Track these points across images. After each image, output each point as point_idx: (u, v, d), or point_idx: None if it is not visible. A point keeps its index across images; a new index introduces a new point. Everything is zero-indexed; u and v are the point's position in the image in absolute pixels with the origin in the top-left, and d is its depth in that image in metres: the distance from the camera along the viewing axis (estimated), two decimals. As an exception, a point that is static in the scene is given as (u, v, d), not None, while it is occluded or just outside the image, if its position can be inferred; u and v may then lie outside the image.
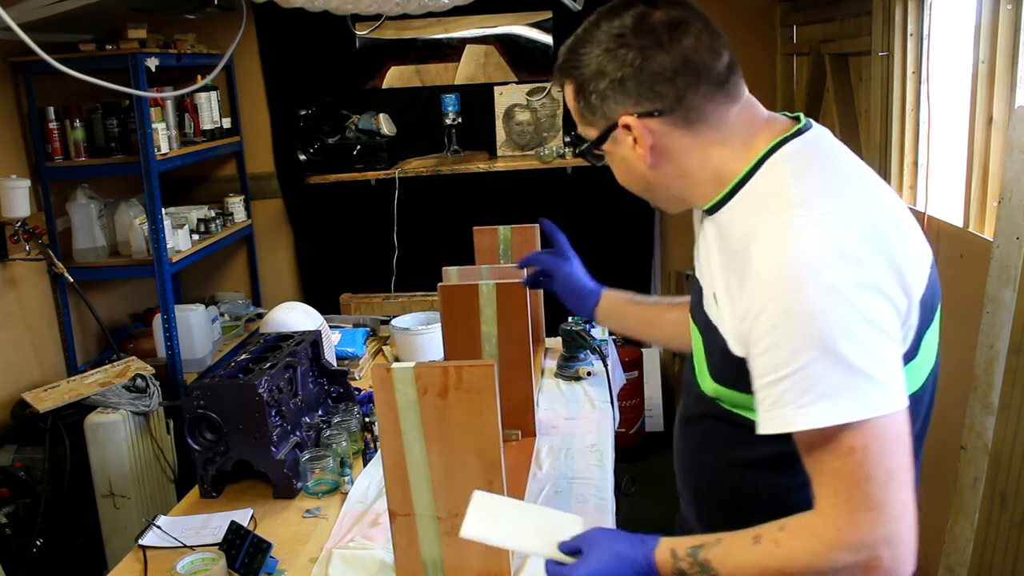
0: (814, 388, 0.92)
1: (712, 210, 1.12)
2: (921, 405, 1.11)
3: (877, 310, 0.94)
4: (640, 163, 1.11)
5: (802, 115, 1.13)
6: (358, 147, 3.85)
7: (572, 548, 1.14)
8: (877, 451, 0.92)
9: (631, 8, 1.08)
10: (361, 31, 3.63)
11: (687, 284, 3.84)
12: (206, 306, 3.53)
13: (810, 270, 0.93)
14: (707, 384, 1.15)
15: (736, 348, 1.05)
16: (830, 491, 0.95)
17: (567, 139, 3.92)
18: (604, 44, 1.08)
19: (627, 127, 1.09)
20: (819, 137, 1.10)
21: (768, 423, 0.97)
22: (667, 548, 1.06)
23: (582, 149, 1.18)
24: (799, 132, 1.08)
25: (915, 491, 1.02)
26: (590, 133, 1.14)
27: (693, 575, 1.03)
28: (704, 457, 1.21)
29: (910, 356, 1.03)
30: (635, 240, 4.09)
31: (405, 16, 2.71)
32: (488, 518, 1.21)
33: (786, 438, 0.98)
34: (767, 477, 1.12)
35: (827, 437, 0.93)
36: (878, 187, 1.06)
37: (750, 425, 1.04)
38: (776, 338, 0.94)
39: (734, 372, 1.06)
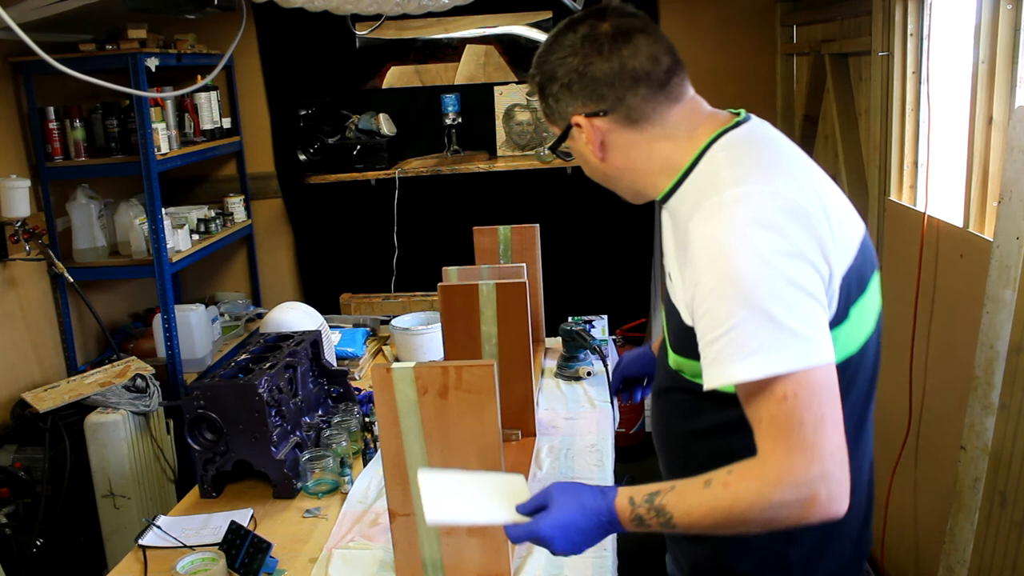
0: (746, 345, 1.03)
1: (664, 199, 1.24)
2: (863, 368, 1.21)
3: (799, 273, 1.05)
4: (593, 157, 1.25)
5: (743, 110, 1.25)
6: (358, 147, 3.85)
7: (533, 506, 1.20)
8: (807, 398, 1.02)
9: (586, 20, 1.22)
10: (361, 31, 3.63)
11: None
12: (206, 306, 3.53)
13: (737, 240, 1.05)
14: (672, 358, 1.27)
15: (687, 318, 1.16)
16: (768, 437, 1.04)
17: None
18: (559, 52, 1.22)
19: (578, 125, 1.23)
20: (755, 128, 1.22)
21: (710, 379, 1.07)
22: (625, 496, 1.15)
23: (551, 145, 1.31)
24: (737, 124, 1.21)
25: (870, 447, 1.25)
26: (554, 131, 1.28)
27: (650, 519, 1.12)
28: (671, 426, 1.33)
29: (838, 321, 1.13)
30: (635, 239, 4.09)
31: (405, 16, 2.71)
32: (444, 498, 1.23)
33: (739, 403, 1.09)
34: (728, 441, 1.20)
35: (762, 388, 1.03)
36: (805, 169, 1.18)
37: (710, 394, 1.13)
38: (712, 302, 1.06)
39: (689, 341, 1.16)
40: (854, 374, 1.19)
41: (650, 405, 1.44)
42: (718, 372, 1.05)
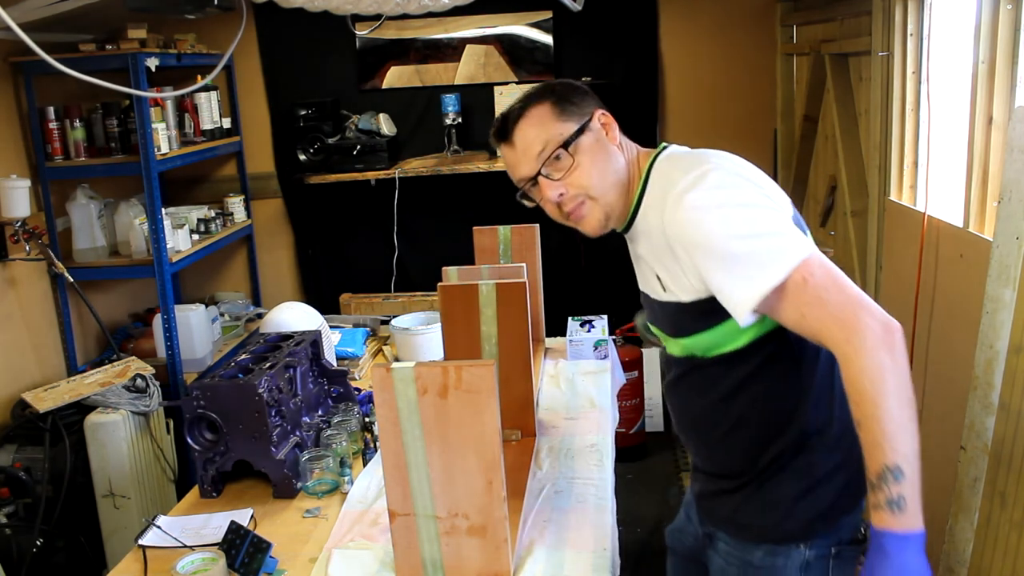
0: (758, 263, 1.24)
1: (628, 226, 1.47)
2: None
3: (761, 200, 1.30)
4: (611, 145, 1.45)
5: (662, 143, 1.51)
6: (358, 147, 3.85)
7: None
8: (821, 275, 1.23)
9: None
10: (361, 31, 3.63)
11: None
12: (206, 306, 3.53)
13: (705, 206, 1.29)
14: (678, 344, 1.47)
15: (690, 295, 1.36)
16: (821, 323, 1.22)
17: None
18: (551, 86, 1.50)
19: (600, 116, 1.46)
20: (676, 147, 1.48)
21: (740, 306, 1.26)
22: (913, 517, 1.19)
23: (567, 140, 1.43)
24: (664, 148, 1.47)
25: None
26: (567, 127, 1.44)
27: (901, 490, 1.16)
28: (692, 405, 1.51)
29: None
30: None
31: (405, 16, 2.71)
32: None
33: (742, 361, 1.37)
34: (738, 401, 1.42)
35: (785, 289, 1.23)
36: (739, 159, 1.40)
37: (721, 360, 1.40)
38: (715, 257, 1.27)
39: (689, 317, 1.39)
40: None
41: (668, 403, 1.60)
42: (746, 296, 1.24)
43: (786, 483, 1.42)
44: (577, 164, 1.43)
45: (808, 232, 1.39)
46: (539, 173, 1.44)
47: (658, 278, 1.43)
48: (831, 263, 1.26)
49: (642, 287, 1.55)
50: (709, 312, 1.35)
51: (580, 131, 1.43)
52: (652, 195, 1.40)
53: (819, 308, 1.22)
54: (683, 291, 1.37)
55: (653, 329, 1.57)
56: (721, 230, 1.26)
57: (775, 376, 1.39)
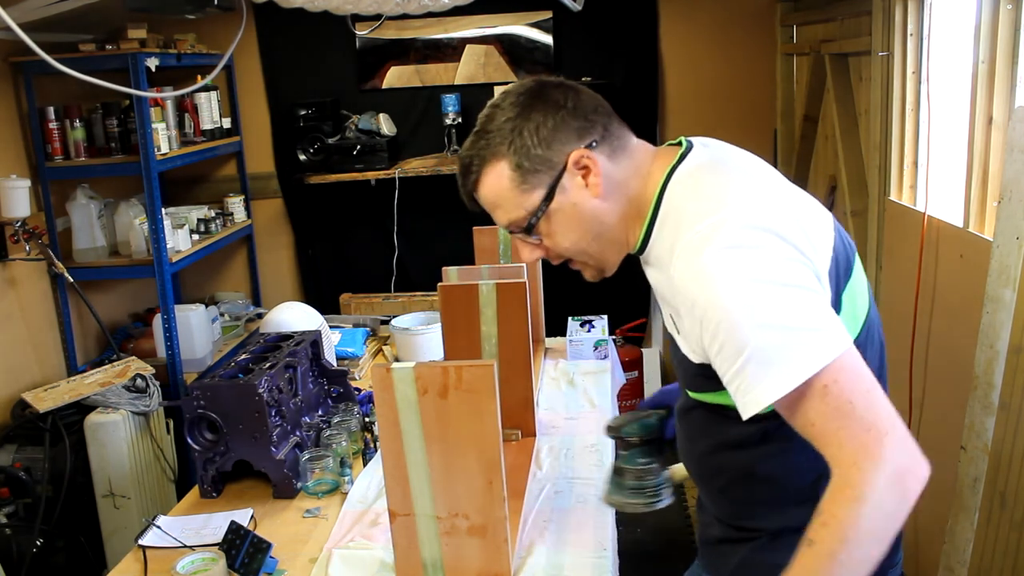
0: (769, 362, 1.01)
1: (641, 249, 1.22)
2: (869, 348, 1.19)
3: (788, 274, 1.04)
4: (592, 200, 1.18)
5: (683, 139, 1.23)
6: (358, 147, 3.85)
7: None
8: (846, 381, 1.01)
9: (525, 82, 1.21)
10: (361, 31, 3.63)
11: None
12: (206, 306, 3.53)
13: (720, 272, 1.04)
14: (692, 394, 1.27)
15: (695, 358, 1.16)
16: (828, 436, 1.01)
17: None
18: (522, 104, 1.18)
19: (576, 163, 1.17)
20: (699, 154, 1.20)
21: (747, 407, 1.05)
22: None
23: (531, 221, 1.19)
24: (683, 156, 1.19)
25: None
26: (532, 199, 1.18)
27: None
28: (696, 442, 1.30)
29: (834, 302, 1.11)
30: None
31: (405, 16, 2.71)
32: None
33: (763, 417, 1.07)
34: (750, 455, 1.21)
35: (800, 395, 1.02)
36: (760, 177, 1.17)
37: (730, 411, 1.11)
38: (723, 337, 1.04)
39: (704, 379, 1.16)
40: (863, 356, 1.13)
41: (676, 426, 1.41)
42: (752, 399, 1.04)
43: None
44: (550, 233, 1.21)
45: (855, 259, 1.19)
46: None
47: (671, 316, 1.22)
48: (861, 364, 1.03)
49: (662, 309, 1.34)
50: (718, 377, 1.12)
51: (548, 197, 1.18)
52: (664, 223, 1.17)
53: (836, 421, 1.00)
54: (689, 350, 1.17)
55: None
56: (739, 315, 1.02)
57: (796, 444, 1.09)
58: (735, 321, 1.02)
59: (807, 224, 1.11)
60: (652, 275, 1.23)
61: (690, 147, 1.21)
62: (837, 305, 1.12)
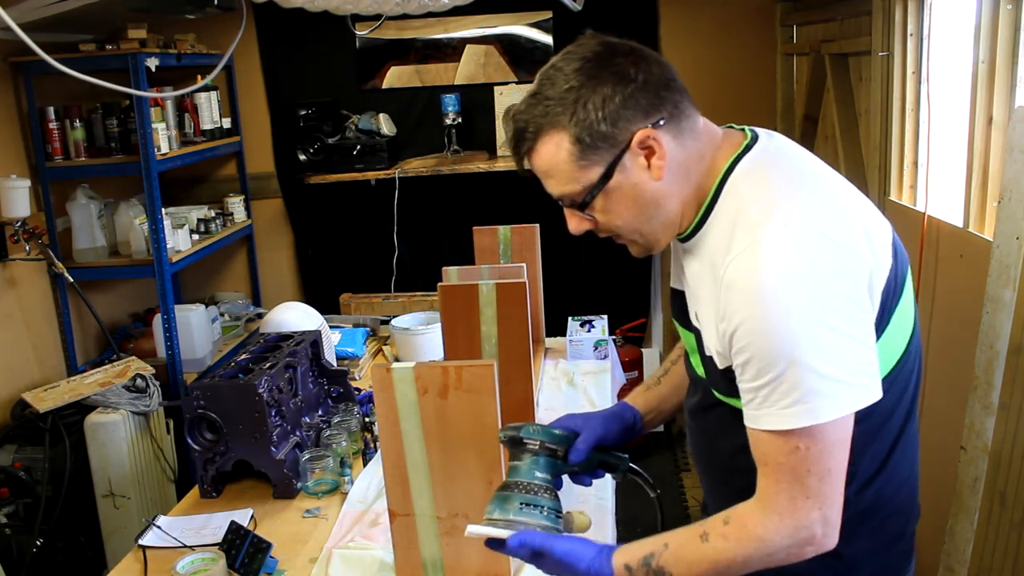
0: (790, 394, 1.02)
1: (690, 236, 1.17)
2: (908, 367, 1.17)
3: (841, 319, 1.02)
4: (652, 182, 1.11)
5: (747, 128, 1.19)
6: (358, 147, 3.85)
7: (529, 549, 1.17)
8: (817, 452, 1.03)
9: (588, 43, 1.12)
10: (361, 31, 3.63)
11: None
12: (206, 306, 3.53)
13: (776, 289, 1.01)
14: (715, 395, 1.21)
15: (720, 362, 1.13)
16: (773, 480, 1.06)
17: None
18: (588, 72, 1.09)
19: (641, 143, 1.09)
20: (768, 147, 1.15)
21: (753, 420, 1.07)
22: (621, 563, 1.13)
23: (586, 198, 1.13)
24: (748, 148, 1.14)
25: (915, 450, 1.22)
26: (590, 176, 1.11)
27: None
28: (718, 440, 1.25)
29: (882, 329, 1.09)
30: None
31: (405, 16, 2.71)
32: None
33: None
34: None
35: (779, 435, 1.04)
36: (827, 181, 1.12)
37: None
38: (753, 352, 1.03)
39: (724, 383, 1.14)
40: (903, 376, 1.15)
41: (687, 424, 1.36)
42: (762, 416, 1.05)
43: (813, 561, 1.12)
44: (604, 210, 1.14)
45: (907, 274, 1.14)
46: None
47: (696, 317, 1.20)
48: (842, 441, 1.04)
49: (675, 285, 1.31)
50: (733, 382, 1.12)
51: (607, 175, 1.10)
52: (720, 215, 1.12)
53: (787, 475, 1.04)
54: (715, 351, 1.13)
55: (682, 331, 1.29)
56: (777, 344, 1.00)
57: None
58: (776, 344, 1.01)
59: (872, 233, 1.08)
60: (691, 264, 1.19)
61: (755, 138, 1.16)
62: (887, 322, 1.10)
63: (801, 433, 1.02)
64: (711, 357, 1.15)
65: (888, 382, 1.11)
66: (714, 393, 1.21)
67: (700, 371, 1.23)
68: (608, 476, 1.40)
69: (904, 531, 1.23)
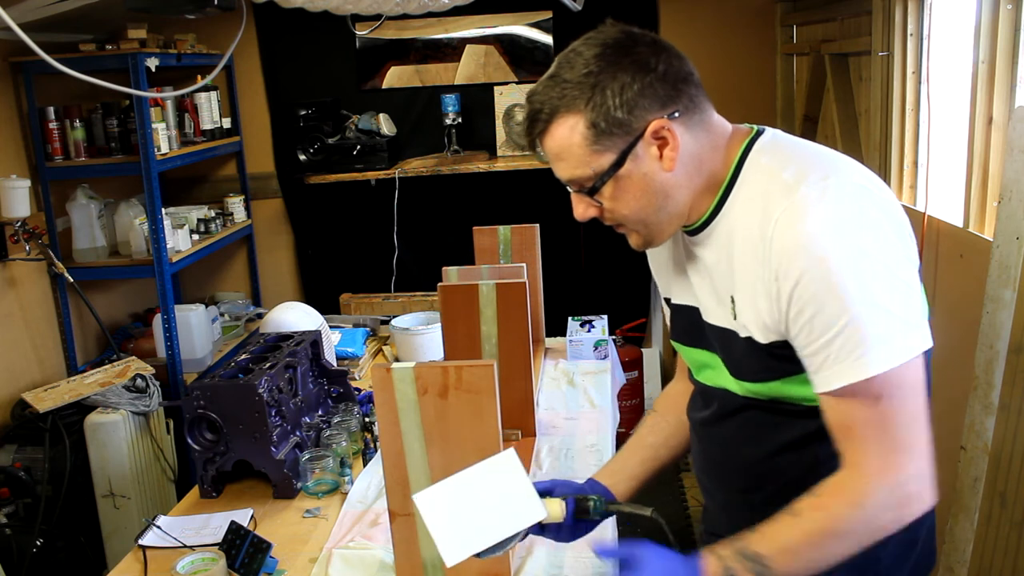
0: (865, 339, 1.00)
1: (703, 226, 1.16)
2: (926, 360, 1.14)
3: (896, 263, 1.03)
4: (663, 173, 1.11)
5: (752, 125, 1.20)
6: (358, 147, 3.85)
7: (617, 556, 1.13)
8: (901, 398, 1.01)
9: (609, 31, 1.12)
10: (361, 31, 3.63)
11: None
12: (206, 306, 3.53)
13: (832, 238, 1.00)
14: (738, 386, 1.19)
15: (764, 336, 1.10)
16: (860, 442, 1.02)
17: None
18: (608, 58, 1.08)
19: (655, 134, 1.09)
20: (777, 133, 1.18)
21: (826, 382, 1.03)
22: (713, 557, 1.08)
23: (596, 183, 1.12)
24: (758, 134, 1.17)
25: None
26: (601, 161, 1.11)
27: (738, 569, 1.05)
28: (746, 446, 1.21)
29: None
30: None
31: (405, 16, 2.71)
32: (454, 526, 1.13)
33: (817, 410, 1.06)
34: (815, 450, 1.13)
35: (856, 390, 1.01)
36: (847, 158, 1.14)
37: (787, 408, 1.12)
38: (819, 304, 1.01)
39: (768, 362, 1.11)
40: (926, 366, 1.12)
41: (699, 436, 1.31)
42: (839, 371, 1.02)
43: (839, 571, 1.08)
44: (613, 197, 1.13)
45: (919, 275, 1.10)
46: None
47: (732, 300, 1.14)
48: (920, 382, 1.02)
49: (680, 299, 1.27)
50: (789, 358, 1.09)
51: (619, 163, 1.10)
52: (744, 194, 1.11)
53: (873, 431, 1.01)
54: (758, 327, 1.10)
55: (687, 350, 1.28)
56: (846, 284, 0.99)
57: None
58: (840, 290, 0.99)
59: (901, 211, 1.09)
60: (706, 253, 1.18)
61: (763, 130, 1.18)
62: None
63: (882, 381, 1.00)
64: (749, 339, 1.12)
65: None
66: (742, 395, 1.17)
67: (720, 381, 1.21)
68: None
69: (916, 536, 1.19)
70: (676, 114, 1.10)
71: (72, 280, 3.07)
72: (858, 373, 1.01)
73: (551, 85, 1.12)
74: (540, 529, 1.25)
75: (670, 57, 1.11)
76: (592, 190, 1.13)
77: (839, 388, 1.02)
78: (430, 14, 3.08)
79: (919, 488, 1.02)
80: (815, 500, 1.04)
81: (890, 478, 1.01)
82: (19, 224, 2.92)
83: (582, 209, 1.17)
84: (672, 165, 1.11)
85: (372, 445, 2.05)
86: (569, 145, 1.11)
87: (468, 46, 4.02)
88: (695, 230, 1.18)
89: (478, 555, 1.14)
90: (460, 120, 3.90)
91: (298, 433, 1.98)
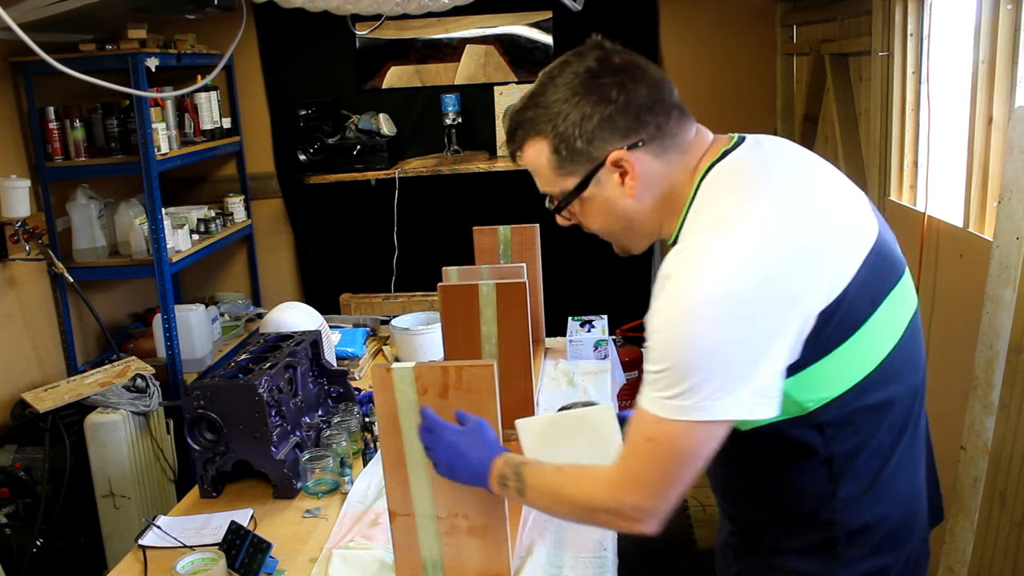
0: (670, 388, 1.04)
1: (674, 244, 1.16)
2: (887, 376, 1.13)
3: (752, 337, 1.01)
4: (625, 199, 1.16)
5: (735, 135, 1.19)
6: (358, 147, 3.85)
7: (462, 418, 1.34)
8: (666, 449, 1.06)
9: (588, 55, 1.15)
10: (361, 31, 3.63)
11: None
12: (206, 306, 3.53)
13: (691, 296, 1.02)
14: None
15: None
16: (625, 452, 1.13)
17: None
18: (574, 88, 1.14)
19: (615, 163, 1.14)
20: (745, 153, 1.15)
21: (639, 395, 1.11)
22: (503, 456, 1.30)
23: (560, 203, 1.20)
24: (725, 154, 1.15)
25: (916, 467, 1.21)
26: (566, 184, 1.18)
27: (508, 481, 1.27)
28: (715, 461, 1.22)
29: (834, 344, 1.06)
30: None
31: (405, 16, 2.71)
32: (542, 453, 1.37)
33: (772, 436, 1.12)
34: (761, 472, 1.19)
35: (644, 417, 1.08)
36: (800, 190, 1.11)
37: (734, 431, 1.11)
38: (655, 341, 1.06)
39: None
40: (878, 391, 1.11)
41: None
42: (640, 394, 1.09)
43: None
44: (581, 213, 1.21)
45: (888, 291, 1.12)
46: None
47: None
48: (699, 451, 1.06)
49: None
50: None
51: (582, 186, 1.16)
52: (694, 220, 1.12)
53: (632, 451, 1.11)
54: None
55: None
56: (683, 349, 1.03)
57: (796, 468, 1.14)
58: (669, 345, 1.04)
59: (834, 250, 1.06)
60: None
61: (737, 144, 1.17)
62: (838, 339, 1.06)
63: (658, 426, 1.06)
64: None
65: (852, 396, 1.08)
66: None
67: None
68: None
69: (903, 550, 1.19)
70: (640, 143, 1.13)
71: (72, 280, 3.07)
72: (653, 408, 1.06)
73: (527, 107, 1.19)
74: None
75: (638, 86, 1.13)
76: (559, 207, 1.22)
77: (639, 405, 1.09)
78: (430, 14, 3.08)
79: (638, 517, 1.11)
80: (578, 470, 1.21)
81: (617, 496, 1.12)
82: (19, 224, 2.92)
83: (560, 220, 1.26)
84: (633, 192, 1.15)
85: (372, 445, 2.05)
86: (539, 165, 1.20)
87: (468, 46, 4.02)
88: (672, 245, 1.19)
89: None
90: (460, 120, 3.90)
91: (298, 433, 1.98)
